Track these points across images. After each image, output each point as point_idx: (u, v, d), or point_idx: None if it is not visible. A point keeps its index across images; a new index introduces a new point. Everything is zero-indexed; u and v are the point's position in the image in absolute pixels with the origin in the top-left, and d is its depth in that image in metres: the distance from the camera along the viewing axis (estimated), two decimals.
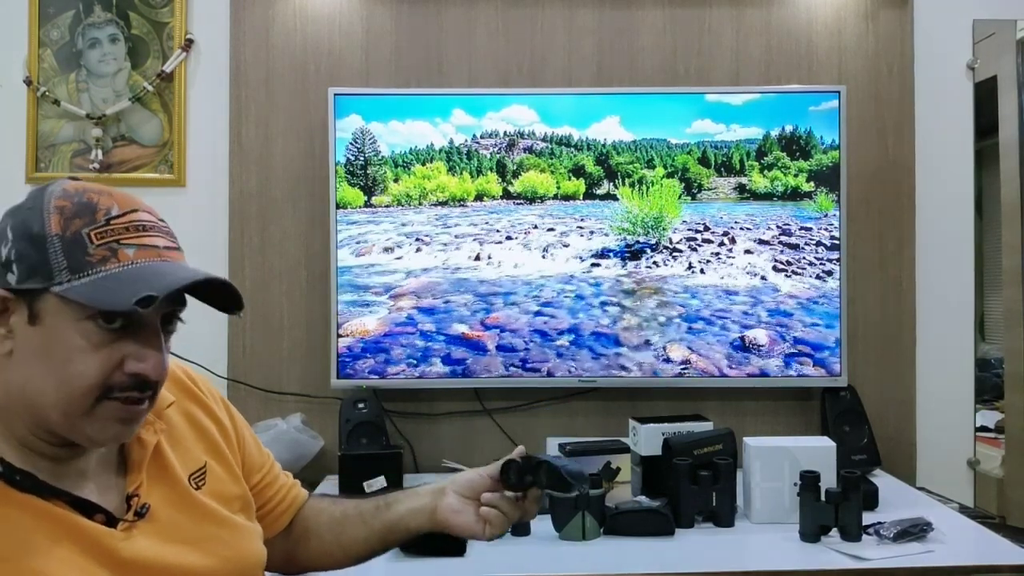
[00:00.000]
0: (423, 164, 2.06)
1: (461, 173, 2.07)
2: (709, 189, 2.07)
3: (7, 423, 0.85)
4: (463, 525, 1.06)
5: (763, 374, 2.05)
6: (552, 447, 1.98)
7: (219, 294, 0.90)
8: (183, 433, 1.00)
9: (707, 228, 2.07)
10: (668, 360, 2.05)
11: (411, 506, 1.10)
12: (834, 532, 1.55)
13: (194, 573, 0.91)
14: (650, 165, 2.06)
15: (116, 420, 0.84)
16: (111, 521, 0.87)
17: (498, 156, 2.07)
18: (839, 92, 2.06)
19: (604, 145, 2.06)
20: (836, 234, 2.05)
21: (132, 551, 0.86)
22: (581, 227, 2.07)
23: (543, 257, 2.07)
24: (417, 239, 2.07)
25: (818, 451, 1.67)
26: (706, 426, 1.83)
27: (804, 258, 2.06)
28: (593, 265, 2.07)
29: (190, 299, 0.93)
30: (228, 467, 1.04)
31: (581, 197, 2.07)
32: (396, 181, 2.05)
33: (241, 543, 0.99)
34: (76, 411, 0.82)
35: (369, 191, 2.05)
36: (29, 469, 0.84)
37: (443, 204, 2.07)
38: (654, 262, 2.07)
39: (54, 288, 0.80)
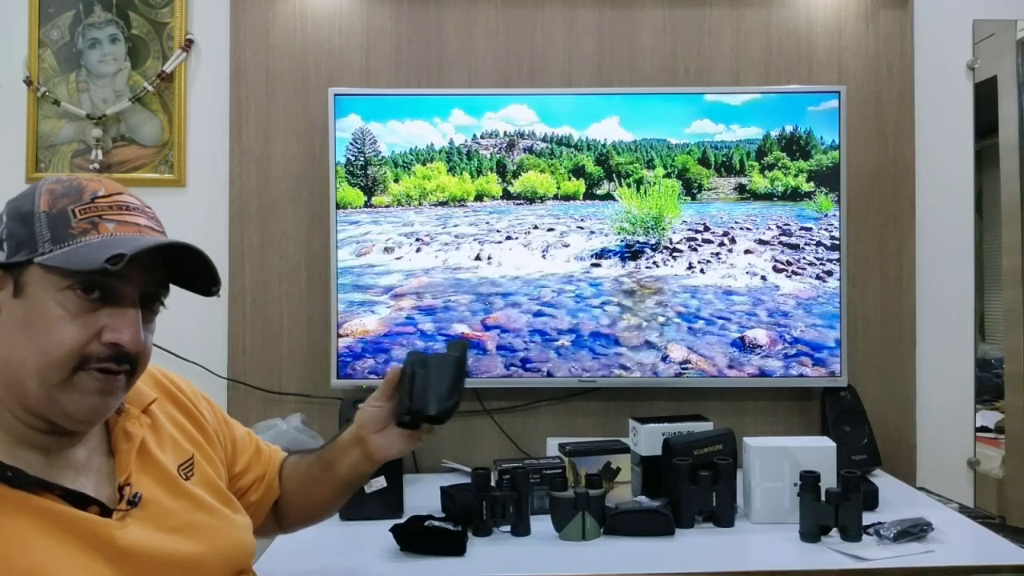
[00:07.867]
0: (423, 164, 2.06)
1: (461, 173, 2.07)
2: (709, 189, 2.07)
3: None
4: (396, 454, 1.22)
5: (763, 374, 2.05)
6: (552, 447, 1.99)
7: (198, 275, 0.92)
8: (168, 428, 1.03)
9: (707, 228, 2.07)
10: (668, 360, 2.05)
11: (349, 464, 1.22)
12: (834, 532, 1.55)
13: (188, 560, 0.93)
14: (650, 165, 2.06)
15: (93, 392, 0.86)
16: (105, 512, 0.87)
17: (498, 156, 2.07)
18: (839, 92, 2.06)
19: (604, 145, 2.06)
20: (836, 234, 2.05)
21: (127, 540, 0.87)
22: (581, 227, 2.07)
23: (543, 257, 2.07)
24: (417, 239, 2.07)
25: (818, 451, 1.67)
26: (706, 426, 1.83)
27: (804, 258, 2.06)
28: (593, 265, 2.07)
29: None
30: (211, 462, 1.07)
31: (581, 197, 2.07)
32: (396, 181, 2.05)
33: (232, 532, 1.01)
34: (53, 380, 0.84)
35: (369, 191, 2.05)
36: (19, 465, 0.84)
37: (443, 204, 2.07)
38: (654, 262, 2.07)
39: (36, 259, 0.83)
